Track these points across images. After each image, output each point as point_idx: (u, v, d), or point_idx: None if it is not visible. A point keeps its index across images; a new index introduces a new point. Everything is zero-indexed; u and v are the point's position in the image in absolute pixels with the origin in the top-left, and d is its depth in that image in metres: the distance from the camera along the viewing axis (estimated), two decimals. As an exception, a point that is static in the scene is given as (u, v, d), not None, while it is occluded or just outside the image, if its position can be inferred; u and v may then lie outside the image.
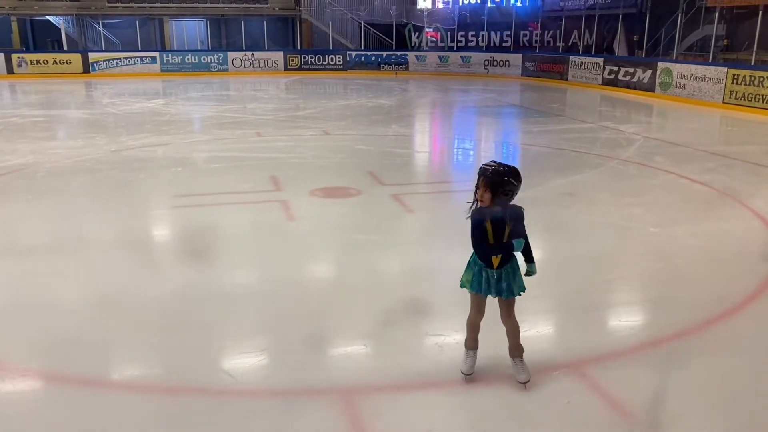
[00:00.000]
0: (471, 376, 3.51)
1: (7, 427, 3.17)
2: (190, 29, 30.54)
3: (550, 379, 3.54)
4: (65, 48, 26.59)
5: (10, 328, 4.19)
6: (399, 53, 27.11)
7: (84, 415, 3.25)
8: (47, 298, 4.65)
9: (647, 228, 6.42)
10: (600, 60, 20.95)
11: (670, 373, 3.71)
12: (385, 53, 27.07)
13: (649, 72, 18.52)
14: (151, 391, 3.47)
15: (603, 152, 10.32)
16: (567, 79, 22.44)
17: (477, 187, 3.34)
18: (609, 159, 9.75)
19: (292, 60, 26.38)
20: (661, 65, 18.16)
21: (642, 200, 7.53)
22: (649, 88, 18.46)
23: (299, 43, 29.14)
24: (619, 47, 22.71)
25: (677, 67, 17.53)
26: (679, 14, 19.23)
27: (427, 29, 28.21)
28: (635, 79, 19.14)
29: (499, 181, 3.28)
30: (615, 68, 20.13)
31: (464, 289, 3.49)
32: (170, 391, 3.47)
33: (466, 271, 3.48)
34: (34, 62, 24.30)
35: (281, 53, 26.51)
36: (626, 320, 4.52)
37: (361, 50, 27.35)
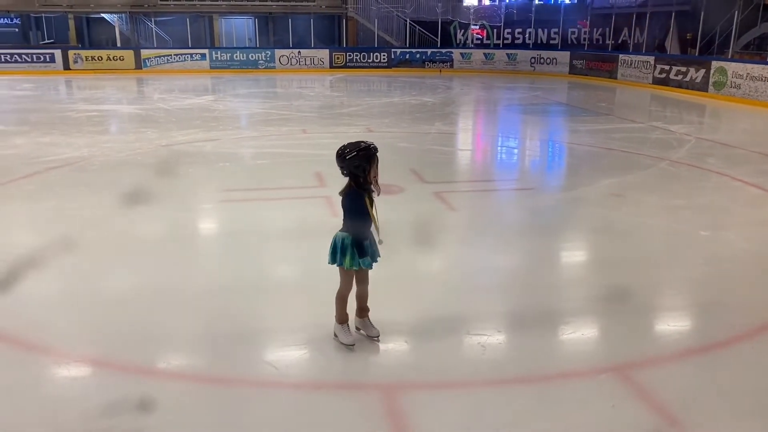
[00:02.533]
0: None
1: (60, 410, 3.30)
2: (238, 27, 31.05)
3: (594, 383, 3.49)
4: (119, 45, 27.39)
5: (65, 317, 4.35)
6: (444, 51, 27.00)
7: (131, 401, 3.35)
8: (98, 289, 4.81)
9: (697, 231, 6.26)
10: (651, 58, 20.45)
11: (720, 380, 3.61)
12: (429, 51, 26.99)
13: (702, 71, 17.99)
14: (196, 381, 3.56)
15: (653, 153, 10.08)
16: (616, 78, 21.98)
17: (366, 167, 3.54)
18: (659, 160, 9.52)
19: (338, 57, 26.55)
20: (715, 64, 17.61)
21: (692, 202, 7.34)
22: (702, 87, 17.93)
23: (345, 41, 29.30)
24: (671, 45, 22.12)
25: (732, 66, 16.97)
26: (736, 11, 18.60)
27: (472, 26, 28.01)
28: (687, 79, 18.61)
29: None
30: (666, 67, 19.61)
31: (351, 270, 3.68)
32: (215, 381, 3.54)
33: (345, 253, 3.64)
34: (89, 58, 25.07)
35: (327, 51, 26.71)
36: (674, 324, 4.42)
37: (406, 48, 27.34)
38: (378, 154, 3.59)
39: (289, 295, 4.73)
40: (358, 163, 3.52)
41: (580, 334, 4.12)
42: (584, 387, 3.46)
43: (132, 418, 3.20)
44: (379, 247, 3.75)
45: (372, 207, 3.63)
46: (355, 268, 3.68)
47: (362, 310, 3.92)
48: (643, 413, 3.24)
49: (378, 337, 3.88)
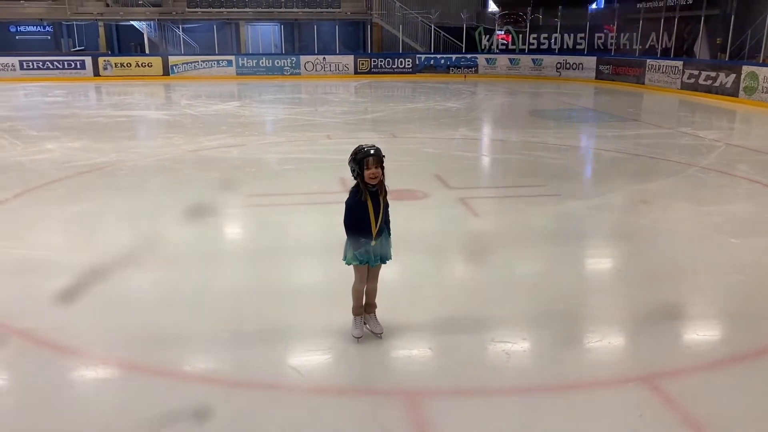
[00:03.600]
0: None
1: (87, 409, 3.34)
2: (264, 33, 31.34)
3: (622, 391, 3.44)
4: (147, 51, 27.81)
5: (93, 320, 4.41)
6: (468, 56, 26.94)
7: (157, 403, 3.39)
8: (126, 292, 4.86)
9: (727, 239, 6.14)
10: (679, 63, 20.17)
11: (750, 392, 3.53)
12: (454, 56, 26.95)
13: (732, 76, 17.69)
14: (221, 384, 3.58)
15: (681, 159, 9.93)
16: (643, 83, 21.70)
17: (358, 170, 3.71)
18: (687, 166, 9.38)
19: (362, 63, 26.64)
20: (746, 69, 17.30)
21: (722, 209, 7.21)
22: (733, 93, 17.62)
23: (370, 47, 29.40)
24: (700, 50, 21.79)
25: (764, 71, 16.65)
26: (767, 15, 18.26)
27: (498, 32, 27.91)
28: (717, 84, 18.31)
29: (383, 156, 3.75)
30: (695, 72, 19.32)
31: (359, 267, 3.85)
32: (240, 385, 3.57)
33: (346, 249, 3.86)
34: (119, 65, 25.52)
35: (352, 57, 26.82)
36: (704, 334, 4.33)
37: (431, 53, 27.34)
38: (381, 156, 3.73)
39: (313, 299, 4.74)
40: (353, 167, 3.75)
41: (606, 342, 4.06)
42: (611, 396, 3.41)
43: (156, 419, 3.23)
44: (394, 252, 3.91)
45: (376, 208, 3.78)
46: (354, 263, 3.83)
47: (369, 306, 4.05)
48: (671, 423, 3.18)
49: (380, 334, 3.99)
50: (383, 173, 3.78)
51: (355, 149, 3.77)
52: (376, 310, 4.08)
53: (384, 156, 3.79)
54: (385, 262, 3.95)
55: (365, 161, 3.70)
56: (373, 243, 3.80)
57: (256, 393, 3.49)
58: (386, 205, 3.88)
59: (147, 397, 3.46)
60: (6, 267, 5.41)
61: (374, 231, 3.79)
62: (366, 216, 3.78)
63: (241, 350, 3.95)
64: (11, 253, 5.71)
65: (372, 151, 3.71)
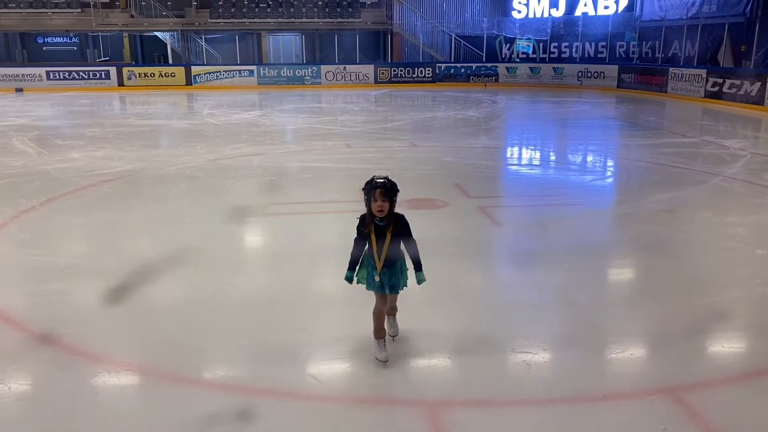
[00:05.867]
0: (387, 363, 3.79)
1: (107, 416, 3.37)
2: (285, 43, 31.61)
3: (645, 404, 3.38)
4: (170, 62, 28.21)
5: (114, 326, 4.47)
6: (489, 65, 26.90)
7: (176, 410, 3.40)
8: (146, 299, 4.91)
9: (753, 250, 6.03)
10: (703, 72, 19.94)
11: (779, 406, 3.45)
12: (474, 65, 26.93)
13: (758, 84, 17.43)
14: (239, 392, 3.59)
15: (705, 168, 9.80)
16: (666, 92, 21.48)
17: (367, 200, 3.63)
18: (712, 175, 9.24)
19: (383, 73, 26.74)
20: (771, 77, 17.05)
21: (748, 220, 7.09)
22: (758, 101, 17.36)
23: (390, 56, 29.51)
24: (724, 58, 21.52)
25: (790, 79, 16.40)
26: (793, 23, 18.01)
27: (519, 41, 27.85)
28: (742, 92, 18.06)
29: (395, 190, 3.64)
30: (719, 80, 19.08)
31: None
32: (258, 392, 3.57)
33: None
34: (142, 75, 25.90)
35: (372, 66, 26.93)
36: (729, 346, 4.25)
37: (451, 62, 27.35)
38: (389, 188, 3.58)
39: (333, 308, 4.74)
40: (365, 197, 3.67)
41: (629, 353, 4.00)
42: (634, 408, 3.35)
43: (175, 427, 3.25)
44: (416, 271, 3.75)
45: (380, 243, 3.66)
46: (362, 284, 3.81)
47: (390, 308, 4.03)
48: (696, 438, 3.12)
49: (394, 336, 4.04)
50: (393, 205, 3.62)
51: (370, 178, 3.65)
52: (397, 313, 4.08)
53: (398, 190, 3.63)
54: (396, 293, 3.82)
55: (373, 193, 3.57)
56: (376, 277, 3.70)
57: (275, 401, 3.49)
58: (398, 241, 3.70)
59: (166, 404, 3.47)
60: (31, 273, 5.49)
61: (378, 264, 3.69)
62: (370, 249, 3.71)
63: (260, 358, 3.95)
64: (36, 260, 5.80)
65: (380, 182, 3.56)
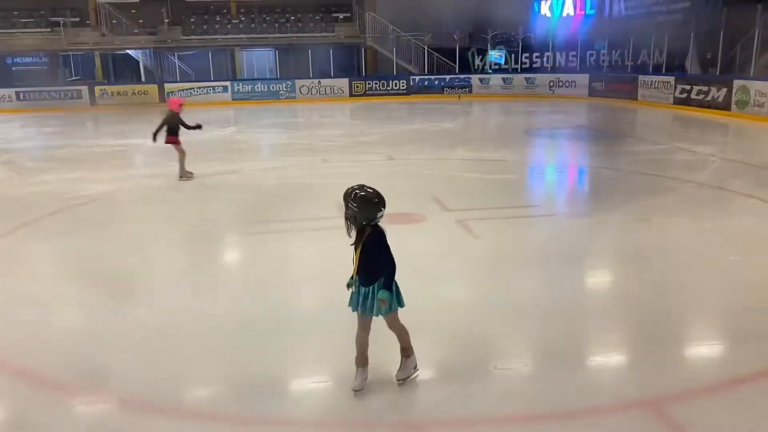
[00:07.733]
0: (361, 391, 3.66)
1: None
2: (259, 58, 31.53)
3: (626, 419, 3.40)
4: (143, 79, 27.96)
5: (86, 355, 4.37)
6: (462, 76, 27.14)
7: (160, 441, 3.35)
8: (120, 326, 4.83)
9: (727, 256, 6.13)
10: (671, 79, 20.33)
11: (757, 414, 3.49)
12: (448, 77, 27.15)
13: (724, 90, 17.83)
14: (222, 419, 3.54)
15: (676, 175, 9.96)
16: (636, 99, 21.86)
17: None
18: (684, 182, 9.40)
19: (357, 86, 26.81)
20: (737, 83, 17.44)
21: (720, 226, 7.21)
22: (725, 107, 17.75)
23: (364, 70, 29.61)
24: (691, 65, 21.97)
25: (756, 85, 16.79)
26: (756, 29, 18.44)
27: (491, 52, 28.14)
28: (709, 98, 18.45)
29: (348, 198, 3.57)
30: (687, 87, 19.47)
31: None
32: (241, 420, 3.52)
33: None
34: (115, 93, 25.64)
35: (346, 80, 27.00)
36: (706, 355, 4.31)
37: (425, 75, 27.54)
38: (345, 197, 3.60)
39: (314, 330, 4.70)
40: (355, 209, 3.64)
41: (609, 366, 4.03)
42: (615, 422, 3.37)
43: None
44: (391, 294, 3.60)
45: (355, 250, 3.65)
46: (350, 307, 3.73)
47: (402, 349, 3.82)
48: (678, 450, 3.15)
49: (401, 381, 3.80)
50: (346, 218, 3.59)
51: (362, 193, 3.65)
52: (412, 355, 3.82)
53: (348, 201, 3.57)
54: (367, 315, 3.65)
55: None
56: (349, 287, 3.69)
57: (259, 428, 3.45)
58: (368, 255, 3.58)
59: (147, 435, 3.41)
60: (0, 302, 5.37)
61: (354, 272, 3.66)
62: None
63: (241, 384, 3.90)
64: (5, 289, 5.67)
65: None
